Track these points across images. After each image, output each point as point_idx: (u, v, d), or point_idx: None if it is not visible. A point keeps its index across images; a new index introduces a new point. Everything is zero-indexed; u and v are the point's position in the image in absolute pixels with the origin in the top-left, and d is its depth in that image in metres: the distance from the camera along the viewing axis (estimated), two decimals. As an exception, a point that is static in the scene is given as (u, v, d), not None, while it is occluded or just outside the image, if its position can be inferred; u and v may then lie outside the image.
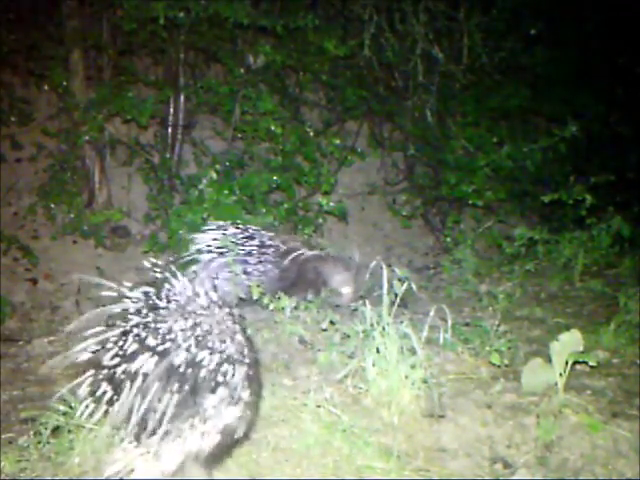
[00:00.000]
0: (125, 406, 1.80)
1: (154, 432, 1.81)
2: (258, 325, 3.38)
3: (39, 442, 2.22)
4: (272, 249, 3.82)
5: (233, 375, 1.89)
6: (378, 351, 2.46)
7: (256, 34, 4.94)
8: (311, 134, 5.27)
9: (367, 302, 2.59)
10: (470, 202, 5.23)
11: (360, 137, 5.83)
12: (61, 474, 2.10)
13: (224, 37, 4.97)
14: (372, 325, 2.51)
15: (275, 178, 4.74)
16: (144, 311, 1.94)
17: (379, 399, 2.46)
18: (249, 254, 3.76)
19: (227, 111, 4.99)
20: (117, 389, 1.83)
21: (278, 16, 4.79)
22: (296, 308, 3.32)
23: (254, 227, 3.93)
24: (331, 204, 4.82)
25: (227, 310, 2.04)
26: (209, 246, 3.78)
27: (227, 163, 4.97)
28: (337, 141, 5.35)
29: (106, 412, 1.87)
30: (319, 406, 2.37)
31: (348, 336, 2.76)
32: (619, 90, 6.44)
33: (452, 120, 5.57)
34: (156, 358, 1.82)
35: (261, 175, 4.74)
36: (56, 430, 2.24)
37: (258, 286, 3.34)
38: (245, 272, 3.71)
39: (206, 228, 3.91)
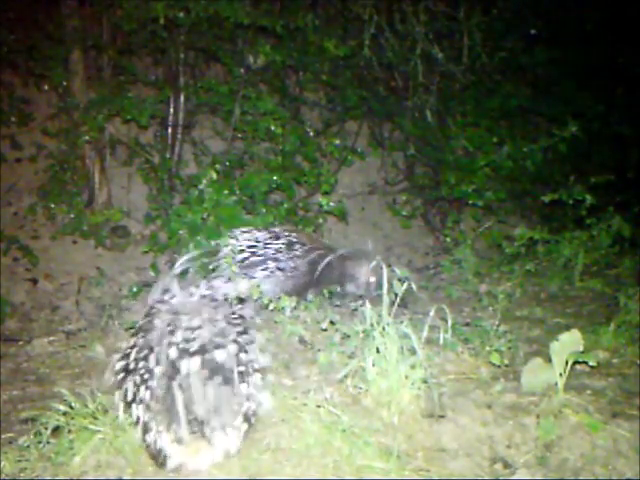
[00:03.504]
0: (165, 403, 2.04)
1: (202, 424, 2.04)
2: (258, 325, 3.38)
3: (39, 442, 2.22)
4: (298, 246, 4.05)
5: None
6: (378, 351, 2.45)
7: (256, 34, 4.93)
8: (311, 134, 5.27)
9: (367, 302, 2.59)
10: (470, 202, 5.22)
11: (360, 137, 5.82)
12: (61, 474, 2.10)
13: (224, 37, 4.96)
14: (372, 325, 2.50)
15: (275, 178, 4.74)
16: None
17: (379, 399, 2.46)
18: (279, 252, 4.01)
19: (227, 111, 4.98)
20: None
21: (278, 16, 4.78)
22: (296, 308, 3.32)
23: (276, 229, 4.16)
24: (331, 204, 4.80)
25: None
26: (241, 246, 3.98)
27: (227, 163, 4.97)
28: (337, 141, 5.34)
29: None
30: (319, 406, 2.37)
31: (348, 336, 2.76)
32: (619, 90, 6.44)
33: (452, 120, 5.57)
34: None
35: (261, 175, 4.74)
36: (56, 430, 2.24)
37: (258, 286, 3.35)
38: (279, 269, 3.98)
39: (231, 235, 4.09)
